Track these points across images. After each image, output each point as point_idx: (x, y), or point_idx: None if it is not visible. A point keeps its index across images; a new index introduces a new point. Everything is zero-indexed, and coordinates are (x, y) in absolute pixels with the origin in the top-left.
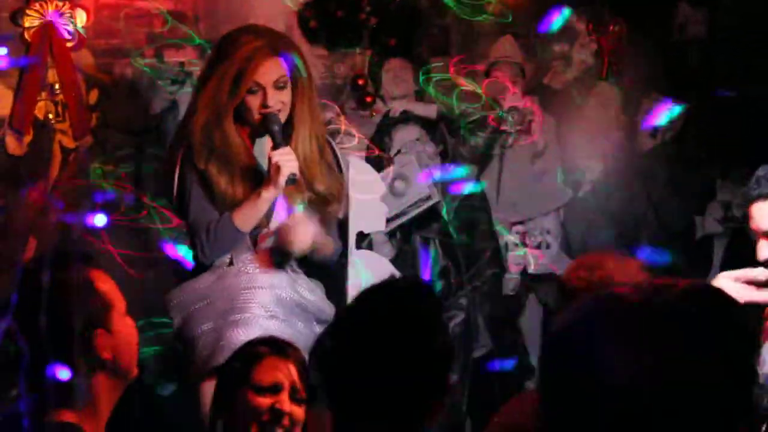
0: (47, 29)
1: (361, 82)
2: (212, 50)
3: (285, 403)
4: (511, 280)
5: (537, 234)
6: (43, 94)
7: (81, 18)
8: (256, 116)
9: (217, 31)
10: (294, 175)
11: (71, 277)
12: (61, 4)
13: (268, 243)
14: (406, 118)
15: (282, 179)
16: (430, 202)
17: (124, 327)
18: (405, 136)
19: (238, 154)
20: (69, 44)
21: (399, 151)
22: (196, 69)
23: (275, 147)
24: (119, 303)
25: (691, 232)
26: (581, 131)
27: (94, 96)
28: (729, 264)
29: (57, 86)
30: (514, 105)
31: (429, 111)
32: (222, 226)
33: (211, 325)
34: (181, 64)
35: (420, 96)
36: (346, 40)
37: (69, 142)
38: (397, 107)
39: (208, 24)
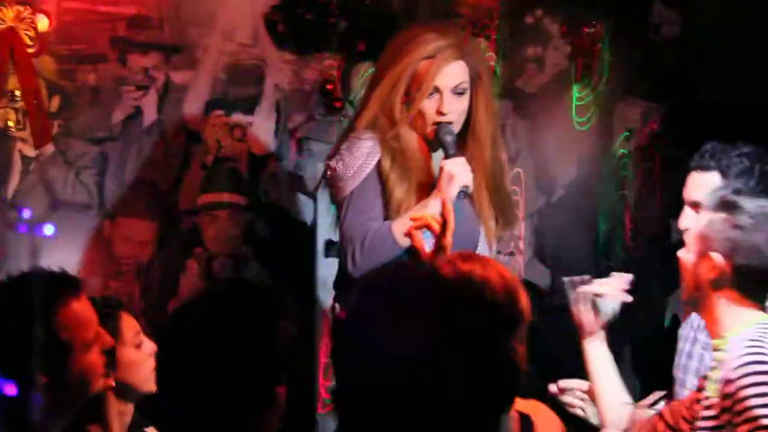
0: (7, 35)
1: (330, 87)
2: (387, 45)
3: None
4: None
5: (509, 241)
6: (3, 102)
7: (42, 23)
8: (430, 125)
9: (182, 34)
10: (467, 187)
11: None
12: (22, 9)
13: None
14: None
15: (454, 190)
16: None
17: (131, 356)
18: None
19: (416, 162)
20: (30, 50)
21: None
22: (161, 74)
23: (447, 158)
24: (128, 333)
25: (667, 236)
26: (555, 135)
27: (55, 103)
28: None
29: (17, 93)
30: None
31: None
32: (379, 236)
33: None
34: (146, 69)
35: None
36: (314, 44)
37: (29, 151)
38: None
39: (174, 27)
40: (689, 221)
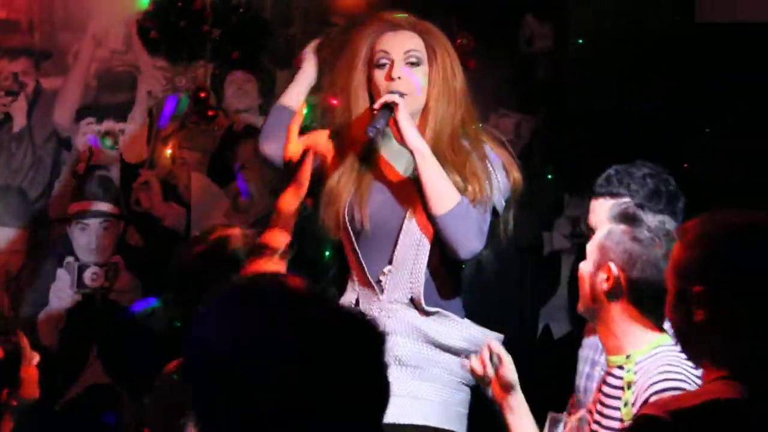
0: None
1: (203, 95)
2: (338, 35)
3: None
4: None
5: None
6: None
7: None
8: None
9: (53, 40)
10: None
11: None
12: None
13: (392, 282)
14: (250, 132)
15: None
16: None
17: (32, 373)
18: (249, 150)
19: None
20: None
21: (243, 167)
22: (31, 80)
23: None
24: (27, 350)
25: (539, 248)
26: None
27: None
28: (576, 280)
29: None
30: None
31: None
32: (272, 111)
33: None
34: (15, 75)
35: (264, 110)
36: (188, 51)
37: None
38: (240, 121)
39: (44, 32)
40: None
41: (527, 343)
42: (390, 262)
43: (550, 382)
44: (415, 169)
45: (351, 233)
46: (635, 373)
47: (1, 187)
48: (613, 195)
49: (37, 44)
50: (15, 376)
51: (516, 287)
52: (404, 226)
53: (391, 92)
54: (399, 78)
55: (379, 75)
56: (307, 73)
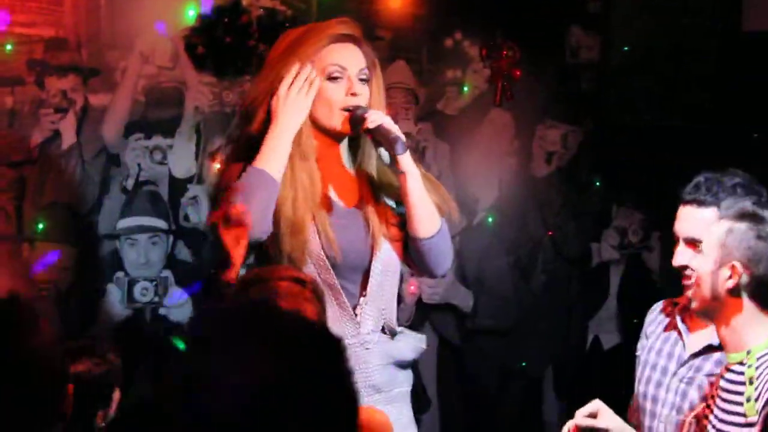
0: None
1: None
2: (274, 47)
3: None
4: (405, 310)
5: None
6: None
7: None
8: (338, 111)
9: (101, 57)
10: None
11: None
12: None
13: (367, 313)
14: None
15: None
16: None
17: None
18: None
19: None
20: None
21: None
22: (80, 97)
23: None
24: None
25: (588, 259)
26: (475, 158)
27: None
28: (625, 291)
29: None
30: (407, 131)
31: None
32: (248, 177)
33: None
34: (64, 92)
35: None
36: (234, 67)
37: None
38: None
39: (92, 50)
40: (685, 259)
41: (577, 355)
42: (362, 293)
43: (600, 393)
44: (398, 190)
45: (329, 265)
46: (756, 368)
47: (51, 203)
48: (699, 203)
49: (86, 62)
50: (109, 397)
51: (564, 299)
52: (376, 255)
53: (357, 107)
54: (360, 94)
55: (334, 88)
56: (292, 132)
